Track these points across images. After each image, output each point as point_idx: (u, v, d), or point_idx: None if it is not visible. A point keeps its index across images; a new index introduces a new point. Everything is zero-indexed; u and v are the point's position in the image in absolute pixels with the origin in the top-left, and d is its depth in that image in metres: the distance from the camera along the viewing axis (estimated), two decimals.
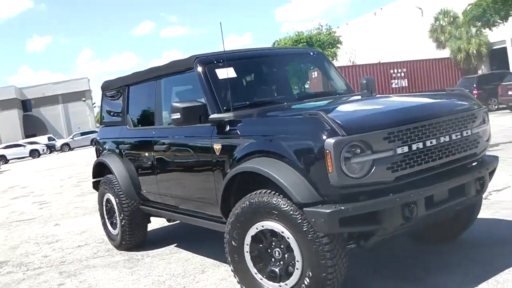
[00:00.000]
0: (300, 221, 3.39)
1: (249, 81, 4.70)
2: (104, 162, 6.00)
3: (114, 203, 5.92)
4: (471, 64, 33.89)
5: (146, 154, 5.30)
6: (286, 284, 3.58)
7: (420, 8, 47.08)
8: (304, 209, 3.34)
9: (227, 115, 4.15)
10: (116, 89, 6.17)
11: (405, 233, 4.18)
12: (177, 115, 4.15)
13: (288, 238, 3.49)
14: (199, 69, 4.47)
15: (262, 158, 3.69)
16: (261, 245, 3.70)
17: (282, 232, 3.52)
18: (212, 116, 4.22)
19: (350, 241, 3.57)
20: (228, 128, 4.10)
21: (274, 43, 58.84)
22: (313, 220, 3.30)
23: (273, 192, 3.56)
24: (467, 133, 3.82)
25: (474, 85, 22.59)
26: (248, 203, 3.67)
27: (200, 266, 5.07)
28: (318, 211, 3.27)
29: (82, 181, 15.02)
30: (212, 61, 4.55)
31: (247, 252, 3.75)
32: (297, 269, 3.49)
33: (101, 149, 6.52)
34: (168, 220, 5.94)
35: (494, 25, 25.86)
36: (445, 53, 36.06)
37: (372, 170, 3.31)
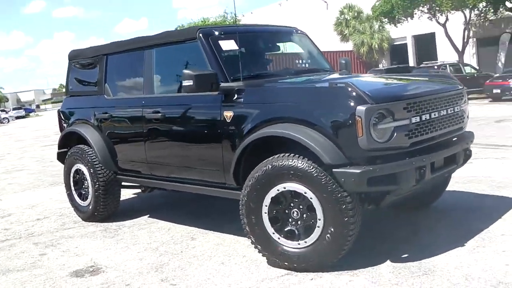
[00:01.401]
0: (325, 181, 3.66)
1: (249, 54, 4.85)
2: (77, 132, 5.86)
3: (87, 173, 5.82)
4: (373, 57, 35.90)
5: (133, 123, 5.27)
6: (305, 242, 3.84)
7: (325, 1, 48.87)
8: (334, 170, 3.61)
9: (238, 84, 4.30)
10: (90, 58, 6.02)
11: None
12: (189, 82, 4.23)
13: (311, 198, 3.74)
14: (204, 39, 4.57)
15: (284, 124, 3.90)
16: (280, 206, 3.92)
17: (305, 193, 3.76)
18: (223, 84, 4.33)
19: (365, 202, 3.89)
20: (241, 96, 4.25)
21: (176, 28, 58.31)
22: (343, 180, 3.58)
23: (297, 155, 3.79)
24: (457, 108, 4.31)
25: None
26: (270, 166, 3.87)
27: (187, 234, 5.18)
28: (348, 171, 3.57)
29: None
30: (215, 32, 4.66)
31: (265, 213, 3.96)
32: (318, 227, 3.76)
33: (67, 119, 6.33)
34: (143, 191, 5.93)
35: (399, 22, 27.60)
36: (349, 46, 37.84)
37: (394, 136, 3.66)
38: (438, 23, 26.94)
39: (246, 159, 4.21)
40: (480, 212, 5.07)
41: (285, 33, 5.48)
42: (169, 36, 4.98)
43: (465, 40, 26.79)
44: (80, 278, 4.24)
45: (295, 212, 3.89)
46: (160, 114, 4.88)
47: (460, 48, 26.41)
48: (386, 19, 28.36)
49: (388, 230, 4.76)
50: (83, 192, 6.04)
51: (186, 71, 4.26)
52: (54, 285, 4.14)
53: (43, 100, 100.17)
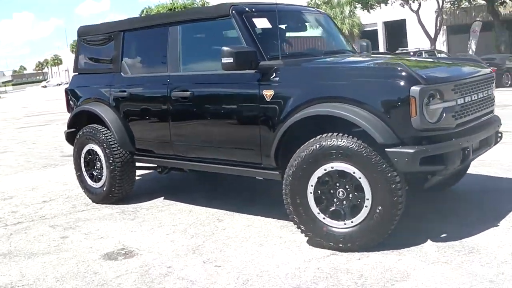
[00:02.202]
0: (376, 161, 3.66)
1: (281, 33, 4.77)
2: (91, 111, 5.67)
3: (101, 154, 5.65)
4: None
5: (156, 101, 5.12)
6: (352, 222, 3.84)
7: None
8: (386, 149, 3.60)
9: (278, 62, 4.23)
10: (103, 34, 5.82)
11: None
12: (229, 59, 4.14)
13: (360, 178, 3.74)
14: (238, 16, 4.47)
15: (331, 104, 3.86)
16: (326, 186, 3.89)
17: (353, 173, 3.75)
18: (263, 62, 4.25)
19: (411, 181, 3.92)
20: (280, 75, 4.19)
21: (143, 10, 57.30)
22: (395, 159, 3.59)
23: (345, 135, 3.77)
24: (490, 92, 4.38)
25: None
26: (318, 145, 3.84)
27: (211, 216, 5.11)
28: (402, 151, 3.57)
29: None
30: (249, 10, 4.57)
31: (310, 193, 3.93)
32: (366, 206, 3.76)
33: (75, 98, 6.13)
34: (160, 172, 5.80)
35: (372, 8, 27.84)
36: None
37: (443, 117, 3.67)
38: (411, 9, 27.29)
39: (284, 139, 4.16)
40: (500, 193, 5.17)
41: (311, 13, 5.41)
42: (198, 12, 4.88)
43: (438, 28, 27.23)
44: (115, 261, 4.13)
45: (341, 192, 3.88)
46: (189, 93, 4.75)
47: (432, 35, 26.84)
48: (360, 5, 28.56)
49: (418, 211, 4.79)
50: (95, 174, 5.87)
51: (225, 48, 4.16)
52: (89, 269, 4.01)
53: (3, 82, 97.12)
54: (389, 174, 3.67)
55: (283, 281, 3.52)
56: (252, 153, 4.41)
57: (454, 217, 4.55)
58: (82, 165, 5.96)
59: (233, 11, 4.51)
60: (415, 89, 3.55)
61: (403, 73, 3.64)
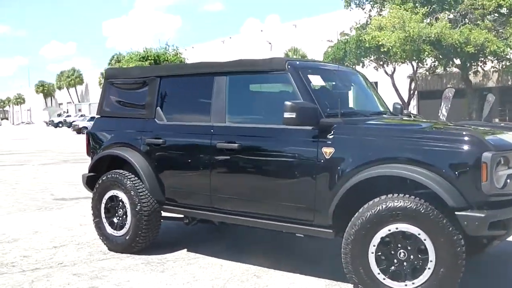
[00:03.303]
0: (443, 224, 3.65)
1: (332, 91, 4.82)
2: (121, 156, 5.49)
3: (127, 201, 5.46)
4: None
5: (196, 151, 5.01)
6: (413, 283, 3.78)
7: (270, 43, 50.06)
8: (456, 213, 3.61)
9: (338, 120, 4.24)
10: (136, 79, 5.75)
11: None
12: (292, 115, 4.11)
13: (425, 240, 3.71)
14: (294, 71, 4.49)
15: (397, 165, 3.87)
16: (388, 246, 3.85)
17: (419, 234, 3.73)
18: (324, 119, 4.25)
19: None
20: (340, 133, 4.19)
21: (113, 57, 57.54)
22: (465, 223, 3.59)
23: (412, 197, 3.77)
24: None
25: None
26: (384, 205, 3.81)
27: (246, 272, 4.93)
28: (473, 215, 3.58)
29: None
30: (303, 66, 4.61)
31: (372, 253, 3.87)
32: (429, 268, 3.72)
33: (99, 142, 5.96)
34: (187, 223, 5.62)
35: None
36: None
37: (508, 183, 3.73)
38: (386, 73, 28.23)
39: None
40: None
41: (354, 74, 5.50)
42: (249, 64, 4.85)
43: (411, 92, 28.18)
44: None
45: (402, 253, 3.83)
46: (237, 145, 4.67)
47: (406, 99, 27.72)
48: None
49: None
50: (116, 221, 5.65)
51: (288, 103, 4.14)
52: None
53: None
54: (455, 237, 3.66)
55: None
56: (304, 210, 4.33)
57: (494, 280, 4.55)
58: (102, 211, 5.73)
59: (289, 66, 4.53)
60: (487, 155, 3.60)
61: (475, 139, 3.71)
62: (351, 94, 5.22)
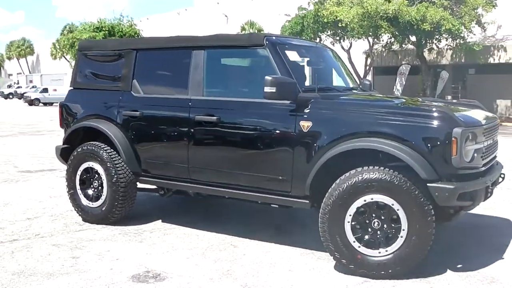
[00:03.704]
0: (415, 195, 3.92)
1: (308, 67, 4.98)
2: (97, 128, 5.52)
3: (103, 172, 5.52)
4: None
5: (174, 124, 5.11)
6: (386, 250, 4.06)
7: (226, 16, 49.62)
8: (428, 184, 3.88)
9: (315, 95, 4.42)
10: (111, 51, 5.75)
11: None
12: (272, 89, 4.26)
13: (398, 209, 3.98)
14: (272, 47, 4.62)
15: (372, 138, 4.10)
16: (363, 216, 4.10)
17: (392, 204, 3.99)
18: (302, 94, 4.42)
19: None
20: (317, 107, 4.38)
21: (65, 27, 55.82)
22: (436, 194, 3.87)
23: (387, 169, 4.01)
24: (497, 137, 4.83)
25: None
26: (360, 177, 4.04)
27: (223, 241, 5.11)
28: (443, 187, 3.86)
29: None
30: (281, 42, 4.75)
31: (348, 222, 4.11)
32: (401, 236, 4.00)
33: (72, 113, 5.96)
34: (162, 194, 5.72)
35: None
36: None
37: (475, 157, 4.02)
38: (342, 48, 28.58)
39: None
40: (488, 229, 5.64)
41: (326, 50, 5.67)
42: (227, 39, 4.95)
43: (367, 67, 28.70)
44: (147, 284, 4.05)
45: (376, 222, 4.09)
46: (215, 117, 4.80)
47: (361, 75, 28.21)
48: None
49: None
50: (91, 193, 5.71)
51: (269, 78, 4.28)
52: None
53: None
54: (426, 207, 3.94)
55: None
56: (281, 181, 4.53)
57: (459, 249, 4.90)
58: (77, 183, 5.77)
59: (267, 41, 4.65)
60: (457, 130, 3.88)
61: (446, 115, 3.97)
62: (325, 70, 5.40)
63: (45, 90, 46.17)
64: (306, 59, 5.12)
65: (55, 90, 46.70)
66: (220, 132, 4.84)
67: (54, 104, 46.29)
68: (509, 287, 3.98)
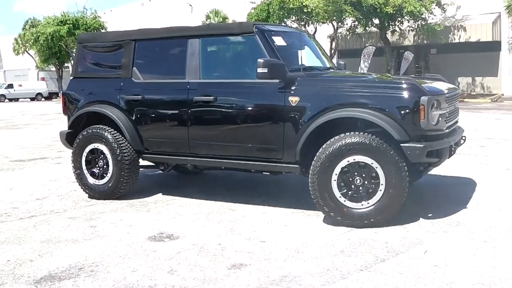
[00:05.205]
0: (390, 154, 4.63)
1: (290, 50, 5.63)
2: (102, 112, 6.07)
3: (108, 152, 6.07)
4: None
5: (174, 105, 5.71)
6: (368, 203, 4.77)
7: (190, 5, 49.73)
8: (401, 144, 4.60)
9: (300, 74, 5.09)
10: (111, 42, 6.29)
11: None
12: (264, 70, 4.91)
13: (376, 167, 4.69)
14: (261, 34, 5.27)
15: (353, 109, 4.79)
16: (347, 175, 4.80)
17: (372, 163, 4.70)
18: (290, 73, 5.07)
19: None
20: (303, 84, 5.04)
21: (27, 21, 54.88)
22: (408, 152, 4.59)
23: (366, 134, 4.71)
24: (457, 105, 5.59)
25: None
26: (344, 141, 4.73)
27: (222, 207, 5.75)
28: (414, 146, 4.58)
29: None
30: (268, 29, 5.42)
31: (334, 180, 4.81)
32: (380, 190, 4.72)
33: (75, 101, 6.48)
34: (163, 170, 6.33)
35: None
36: None
37: (439, 121, 4.76)
38: (308, 34, 29.33)
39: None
40: (454, 186, 6.44)
41: (305, 35, 6.34)
42: (219, 28, 5.57)
43: (332, 51, 29.56)
44: (164, 242, 4.65)
45: (358, 179, 4.80)
46: (212, 97, 5.42)
47: None
48: None
49: None
50: (97, 171, 6.26)
51: (261, 60, 4.92)
52: (145, 248, 4.47)
53: None
54: (400, 164, 4.66)
55: (327, 247, 4.34)
56: (274, 150, 5.19)
57: (430, 202, 5.67)
58: (83, 163, 6.31)
59: (256, 29, 5.30)
60: (424, 98, 4.60)
61: (414, 86, 4.69)
62: (307, 52, 6.06)
63: (10, 86, 45.75)
64: (291, 43, 5.76)
65: (20, 85, 46.31)
66: (217, 110, 5.48)
67: (20, 99, 45.86)
68: (472, 228, 4.73)
